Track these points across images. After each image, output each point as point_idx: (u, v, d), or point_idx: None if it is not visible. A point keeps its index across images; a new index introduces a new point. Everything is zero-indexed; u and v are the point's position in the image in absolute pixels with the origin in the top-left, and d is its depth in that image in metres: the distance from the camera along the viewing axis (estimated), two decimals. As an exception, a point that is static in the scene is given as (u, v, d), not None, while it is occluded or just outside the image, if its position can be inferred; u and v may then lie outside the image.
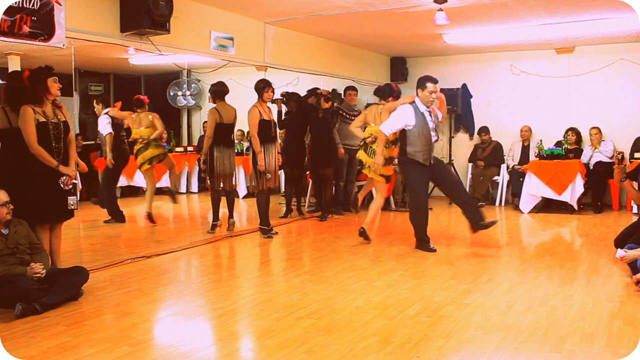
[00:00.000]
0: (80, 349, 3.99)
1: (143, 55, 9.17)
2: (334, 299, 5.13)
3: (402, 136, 7.13)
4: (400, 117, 7.03)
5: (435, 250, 7.07)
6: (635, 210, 9.62)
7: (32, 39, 5.35)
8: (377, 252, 7.13)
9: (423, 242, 7.19)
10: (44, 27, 5.41)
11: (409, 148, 7.04)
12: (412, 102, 7.03)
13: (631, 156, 9.94)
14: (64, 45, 5.62)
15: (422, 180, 7.16)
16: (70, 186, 5.51)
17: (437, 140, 7.22)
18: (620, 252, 5.88)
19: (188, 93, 13.20)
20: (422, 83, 6.99)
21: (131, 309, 5.05)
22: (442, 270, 6.25)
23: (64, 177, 5.44)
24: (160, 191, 12.66)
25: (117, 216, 9.07)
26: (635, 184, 6.94)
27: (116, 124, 8.94)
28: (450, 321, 4.52)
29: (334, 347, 3.99)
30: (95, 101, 9.17)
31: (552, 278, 5.83)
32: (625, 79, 10.68)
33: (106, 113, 8.89)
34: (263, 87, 7.86)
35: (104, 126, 8.82)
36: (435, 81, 7.02)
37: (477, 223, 7.13)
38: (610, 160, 10.15)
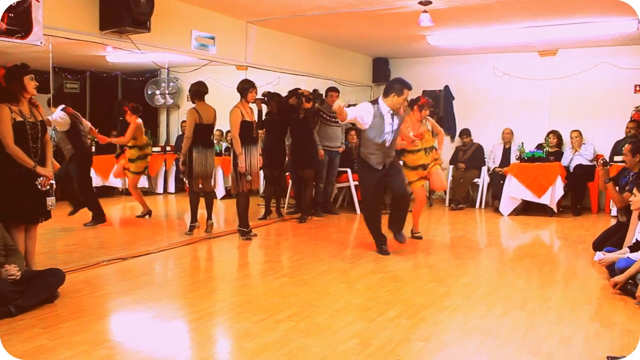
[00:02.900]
0: (57, 352, 4.00)
1: (121, 53, 9.16)
2: (313, 301, 5.19)
3: (360, 136, 7.12)
4: (358, 108, 6.91)
5: (388, 253, 7.08)
6: (614, 213, 9.77)
7: (9, 36, 5.33)
8: (356, 254, 7.19)
9: (378, 244, 7.22)
10: (21, 23, 5.38)
11: (362, 149, 7.03)
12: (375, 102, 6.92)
13: (611, 159, 10.11)
14: (41, 42, 5.60)
15: (371, 183, 7.07)
16: (48, 187, 5.51)
17: (390, 146, 6.98)
18: (599, 255, 6.01)
19: (167, 92, 13.18)
20: (399, 89, 6.79)
21: (108, 311, 5.09)
22: (421, 273, 6.34)
23: (41, 178, 5.43)
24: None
25: (98, 216, 8.83)
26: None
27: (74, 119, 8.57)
28: (429, 324, 4.60)
29: (314, 349, 4.05)
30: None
31: (531, 281, 5.94)
32: (607, 83, 10.86)
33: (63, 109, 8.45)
34: (247, 87, 7.87)
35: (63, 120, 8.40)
36: (411, 87, 6.96)
37: (395, 233, 7.25)
38: (590, 164, 10.33)
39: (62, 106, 8.48)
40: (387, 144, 6.89)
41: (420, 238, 8.03)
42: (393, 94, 6.80)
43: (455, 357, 3.96)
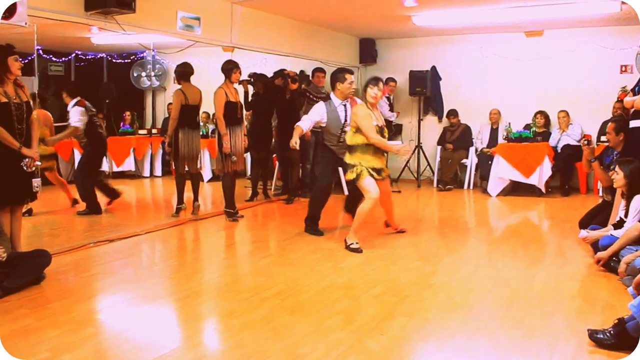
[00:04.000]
0: (44, 331, 4.07)
1: (106, 35, 9.17)
2: (299, 280, 5.27)
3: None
4: (310, 113, 7.26)
5: (322, 234, 7.24)
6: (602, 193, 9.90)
7: (-8, 17, 5.33)
8: (343, 234, 7.25)
9: (312, 223, 7.38)
10: (5, 4, 5.37)
11: (325, 140, 7.33)
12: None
13: (598, 139, 10.22)
14: (26, 23, 5.59)
15: (329, 167, 7.37)
16: (34, 168, 5.54)
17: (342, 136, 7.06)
18: (583, 233, 6.11)
19: (152, 74, 13.18)
20: (341, 77, 7.05)
21: (95, 291, 5.15)
22: (408, 252, 6.43)
23: (27, 159, 5.44)
24: (123, 175, 12.70)
25: (93, 207, 8.65)
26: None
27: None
28: (414, 301, 4.70)
29: (299, 326, 4.13)
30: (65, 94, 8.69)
31: (516, 260, 6.05)
32: (594, 63, 10.93)
33: (77, 103, 8.47)
34: (231, 68, 7.91)
35: (78, 118, 8.41)
36: (352, 72, 7.24)
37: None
38: (578, 144, 10.43)
39: (76, 99, 8.49)
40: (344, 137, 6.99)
41: (403, 231, 7.38)
42: (337, 82, 7.10)
43: (439, 332, 4.05)
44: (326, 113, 7.11)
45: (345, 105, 7.13)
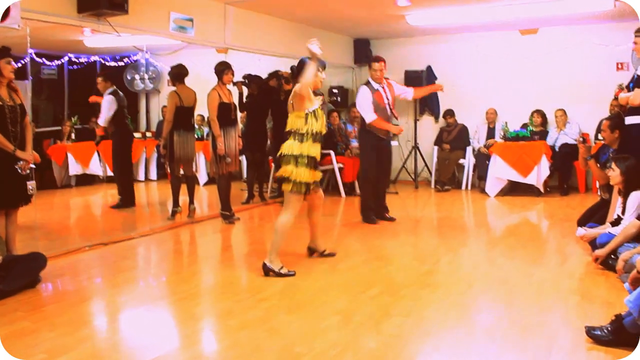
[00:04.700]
0: (40, 333, 4.10)
1: (99, 37, 9.19)
2: (295, 281, 5.31)
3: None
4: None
5: (375, 222, 7.93)
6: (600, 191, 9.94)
7: (-16, 20, 5.36)
8: (340, 236, 7.32)
9: (369, 212, 8.05)
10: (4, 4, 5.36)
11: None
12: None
13: (595, 137, 10.26)
14: (19, 25, 5.63)
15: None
16: (28, 171, 5.57)
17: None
18: (581, 231, 6.15)
19: (146, 77, 13.20)
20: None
21: (91, 294, 5.19)
22: (405, 252, 6.48)
23: (21, 162, 5.48)
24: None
25: (128, 199, 9.31)
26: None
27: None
28: (411, 300, 4.73)
29: (296, 325, 4.17)
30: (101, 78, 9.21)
31: (515, 258, 6.08)
32: (590, 61, 10.98)
33: (110, 93, 9.03)
34: (223, 69, 7.97)
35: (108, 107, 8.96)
36: (376, 59, 8.00)
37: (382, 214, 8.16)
38: (576, 143, 10.46)
39: (112, 88, 9.04)
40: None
41: (332, 255, 6.22)
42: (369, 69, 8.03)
43: (435, 330, 4.09)
44: (371, 95, 7.79)
45: (383, 86, 7.89)
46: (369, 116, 7.73)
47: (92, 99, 9.41)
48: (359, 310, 4.49)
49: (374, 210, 8.07)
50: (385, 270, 5.67)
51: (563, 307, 4.52)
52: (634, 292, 3.63)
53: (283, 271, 5.44)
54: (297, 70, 5.68)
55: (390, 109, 7.98)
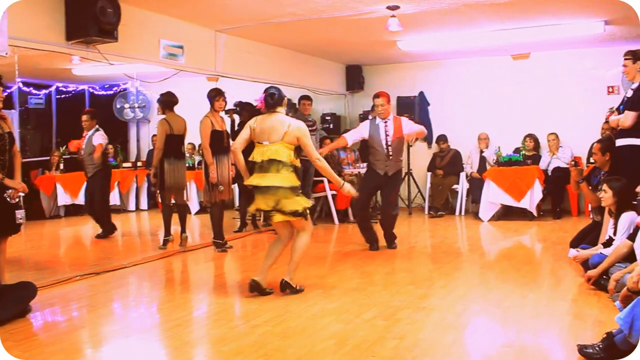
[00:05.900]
0: (31, 362, 4.14)
1: (88, 65, 9.33)
2: (289, 307, 5.36)
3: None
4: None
5: (377, 249, 8.01)
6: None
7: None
8: (334, 263, 7.40)
9: (367, 241, 8.17)
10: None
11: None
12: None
13: (587, 161, 10.40)
14: (6, 53, 5.67)
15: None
16: (17, 199, 5.60)
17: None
18: (573, 252, 6.27)
19: (136, 105, 13.30)
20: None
21: (83, 323, 5.22)
22: (400, 277, 6.56)
23: (10, 191, 5.49)
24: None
25: (110, 228, 9.61)
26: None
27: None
28: (405, 323, 4.79)
29: (291, 350, 4.22)
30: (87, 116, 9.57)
31: (508, 281, 6.16)
32: (581, 85, 11.19)
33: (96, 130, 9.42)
34: (214, 96, 8.06)
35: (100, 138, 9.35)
36: (377, 96, 7.99)
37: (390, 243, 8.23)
38: (568, 166, 10.60)
39: (96, 127, 9.47)
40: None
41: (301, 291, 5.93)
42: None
43: (430, 352, 4.15)
44: (368, 129, 7.95)
45: (386, 122, 7.88)
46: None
47: (72, 145, 9.92)
48: (354, 334, 4.54)
49: (371, 234, 8.14)
50: (379, 295, 5.73)
51: (557, 327, 4.60)
52: (625, 309, 3.72)
53: (298, 288, 5.87)
54: (274, 101, 6.34)
55: (387, 146, 7.82)
